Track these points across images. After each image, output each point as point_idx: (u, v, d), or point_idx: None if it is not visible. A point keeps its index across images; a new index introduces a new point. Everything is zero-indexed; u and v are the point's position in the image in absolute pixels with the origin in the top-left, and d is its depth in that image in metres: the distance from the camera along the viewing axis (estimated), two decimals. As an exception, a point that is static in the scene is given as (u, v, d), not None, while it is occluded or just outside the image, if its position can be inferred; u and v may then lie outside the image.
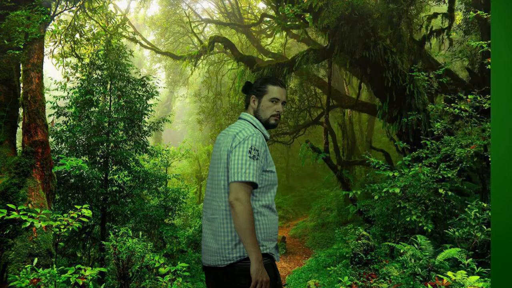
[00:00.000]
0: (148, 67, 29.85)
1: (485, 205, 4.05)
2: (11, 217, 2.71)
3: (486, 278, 3.23)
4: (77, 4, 7.07)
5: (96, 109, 7.24)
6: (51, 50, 7.70)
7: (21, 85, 5.04)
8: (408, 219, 4.73)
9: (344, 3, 7.46)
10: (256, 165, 1.75)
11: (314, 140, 16.44)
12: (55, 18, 6.58)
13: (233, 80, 16.79)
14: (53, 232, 3.30)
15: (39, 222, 2.84)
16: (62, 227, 3.03)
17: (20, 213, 2.78)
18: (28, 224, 2.80)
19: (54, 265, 2.87)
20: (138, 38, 16.30)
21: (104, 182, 7.06)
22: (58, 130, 6.82)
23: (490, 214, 3.90)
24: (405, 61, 8.15)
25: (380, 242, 5.89)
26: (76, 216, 3.09)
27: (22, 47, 4.87)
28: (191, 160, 22.21)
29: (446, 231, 4.18)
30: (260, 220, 1.80)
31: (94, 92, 7.12)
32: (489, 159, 4.99)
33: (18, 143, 5.20)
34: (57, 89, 6.98)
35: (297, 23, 9.15)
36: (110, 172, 7.18)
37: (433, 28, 9.36)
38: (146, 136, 7.92)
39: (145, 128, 7.88)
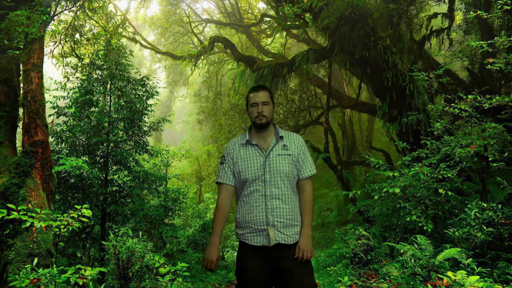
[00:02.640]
0: (148, 67, 29.84)
1: (485, 205, 4.05)
2: (11, 217, 2.71)
3: (486, 278, 3.23)
4: (77, 4, 7.07)
5: (96, 109, 7.24)
6: (51, 50, 7.71)
7: (21, 85, 5.03)
8: (408, 219, 4.73)
9: (344, 3, 7.46)
10: (222, 168, 2.28)
11: (314, 140, 16.44)
12: (55, 18, 6.58)
13: (233, 80, 16.79)
14: (53, 232, 3.30)
15: (39, 222, 2.84)
16: (62, 227, 3.03)
17: (20, 213, 2.77)
18: (28, 224, 2.80)
19: (54, 265, 2.87)
20: (138, 38, 16.29)
21: (104, 182, 7.06)
22: (58, 130, 6.81)
23: (489, 214, 3.90)
24: (405, 61, 8.15)
25: (380, 242, 5.89)
26: (76, 216, 3.09)
27: (22, 47, 4.86)
28: (191, 160, 22.21)
29: (446, 231, 4.18)
30: (237, 212, 2.22)
31: (94, 92, 7.11)
32: (489, 159, 5.00)
33: (18, 143, 5.20)
34: (57, 89, 6.97)
35: (297, 23, 9.16)
36: (110, 172, 7.18)
37: (433, 28, 9.36)
38: (146, 136, 7.92)
39: (145, 128, 7.88)
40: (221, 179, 2.25)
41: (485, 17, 5.45)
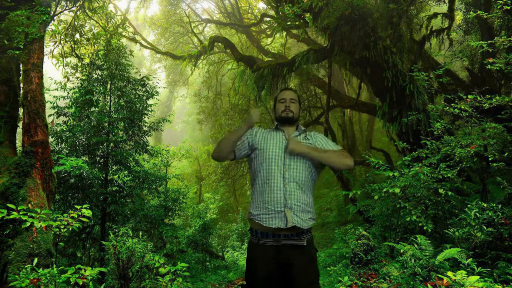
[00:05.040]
0: (148, 67, 29.85)
1: (485, 205, 4.05)
2: (11, 217, 2.71)
3: (486, 278, 3.23)
4: (77, 4, 7.07)
5: (96, 109, 7.24)
6: (51, 50, 7.70)
7: (21, 85, 5.03)
8: (408, 219, 4.73)
9: (344, 3, 7.46)
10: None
11: (314, 140, 16.36)
12: (55, 18, 6.58)
13: (233, 80, 16.79)
14: (53, 232, 3.31)
15: (39, 222, 2.84)
16: (62, 227, 3.03)
17: (20, 213, 2.77)
18: (28, 224, 2.80)
19: (54, 265, 2.87)
20: (138, 38, 16.29)
21: (104, 182, 7.06)
22: (58, 130, 6.81)
23: (489, 214, 3.90)
24: (405, 61, 8.14)
25: (380, 242, 5.89)
26: (76, 216, 3.09)
27: (22, 47, 4.86)
28: (191, 160, 22.21)
29: (446, 231, 4.18)
30: (253, 193, 2.24)
31: (94, 92, 7.11)
32: (489, 159, 5.00)
33: (18, 143, 5.20)
34: (57, 89, 6.97)
35: (297, 23, 9.15)
36: (110, 172, 7.18)
37: (433, 28, 9.36)
38: (146, 136, 7.92)
39: (145, 128, 7.88)
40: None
41: (485, 17, 5.46)
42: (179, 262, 4.01)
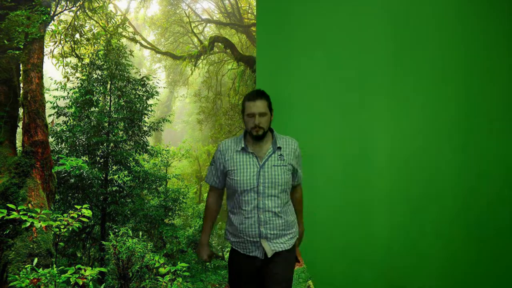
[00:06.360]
0: (148, 67, 29.85)
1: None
2: (11, 217, 2.71)
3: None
4: (77, 4, 7.07)
5: (96, 109, 7.24)
6: (51, 50, 7.70)
7: (21, 85, 5.04)
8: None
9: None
10: (210, 170, 2.23)
11: (314, 140, 16.37)
12: (55, 18, 6.59)
13: (233, 80, 16.81)
14: (53, 232, 3.31)
15: (39, 222, 2.84)
16: (62, 227, 3.03)
17: (20, 213, 2.77)
18: (28, 224, 2.80)
19: (54, 265, 2.87)
20: (138, 38, 16.31)
21: (104, 182, 7.06)
22: (58, 130, 6.82)
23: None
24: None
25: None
26: (76, 216, 3.09)
27: (22, 47, 4.87)
28: (191, 160, 22.21)
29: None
30: (229, 218, 2.17)
31: (94, 92, 7.12)
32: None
33: (18, 143, 5.20)
34: (57, 89, 6.98)
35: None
36: (110, 172, 7.18)
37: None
38: (146, 136, 7.93)
39: (145, 128, 7.89)
40: (209, 181, 2.22)
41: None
42: (179, 262, 4.01)
